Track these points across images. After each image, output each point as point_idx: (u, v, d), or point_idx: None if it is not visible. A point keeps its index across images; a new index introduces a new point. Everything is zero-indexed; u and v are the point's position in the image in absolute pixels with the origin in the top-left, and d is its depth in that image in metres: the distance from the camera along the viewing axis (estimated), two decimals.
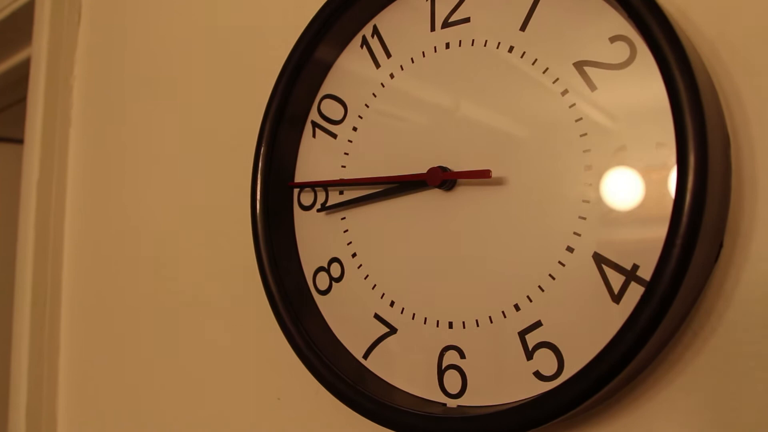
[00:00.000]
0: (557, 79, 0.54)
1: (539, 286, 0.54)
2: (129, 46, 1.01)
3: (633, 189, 0.51)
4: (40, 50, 1.11)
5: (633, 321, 0.47)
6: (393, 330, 0.62)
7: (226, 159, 0.82)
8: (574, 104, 0.53)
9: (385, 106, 0.65)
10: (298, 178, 0.70)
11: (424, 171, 0.59)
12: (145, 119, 0.94)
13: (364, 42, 0.67)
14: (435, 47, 0.61)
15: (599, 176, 0.52)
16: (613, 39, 0.52)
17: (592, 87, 0.53)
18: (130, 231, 0.93)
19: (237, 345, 0.79)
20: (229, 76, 0.84)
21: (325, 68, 0.69)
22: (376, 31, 0.66)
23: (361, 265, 0.65)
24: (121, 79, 1.01)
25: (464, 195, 0.58)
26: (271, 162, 0.69)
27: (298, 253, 0.70)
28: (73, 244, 1.05)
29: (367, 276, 0.64)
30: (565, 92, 0.54)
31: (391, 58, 0.65)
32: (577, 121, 0.53)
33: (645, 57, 0.51)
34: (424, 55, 0.62)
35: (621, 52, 0.52)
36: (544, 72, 0.55)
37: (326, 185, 0.67)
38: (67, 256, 1.06)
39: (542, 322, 0.54)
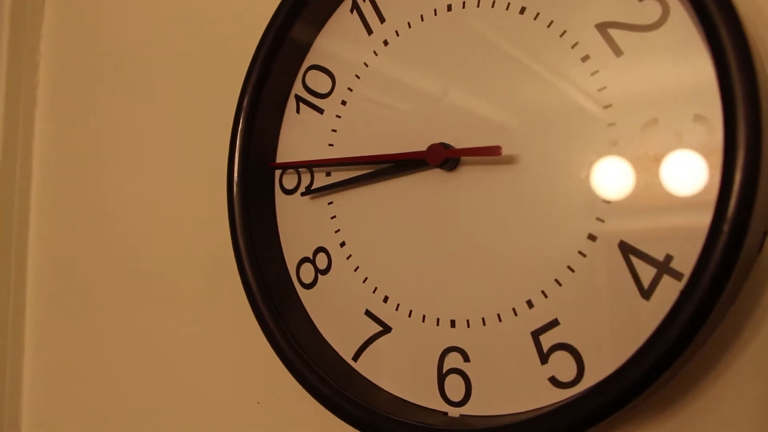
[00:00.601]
0: (576, 43, 0.47)
1: (556, 280, 0.47)
2: (100, 21, 0.92)
3: (666, 168, 0.44)
4: (0, 24, 1.03)
5: (670, 321, 0.41)
6: (387, 329, 0.55)
7: (201, 138, 0.75)
8: (596, 71, 0.46)
9: (377, 78, 0.57)
10: (281, 158, 0.63)
11: (423, 149, 0.52)
12: (117, 99, 0.86)
13: (355, 6, 0.59)
14: (435, 9, 0.54)
15: (626, 154, 0.45)
16: None
17: (618, 52, 0.46)
18: (99, 218, 0.85)
19: (212, 343, 0.71)
20: (204, 47, 0.76)
21: (311, 36, 0.62)
22: None
23: (350, 256, 0.57)
24: (92, 56, 0.92)
25: (469, 176, 0.51)
26: (250, 140, 0.62)
27: (280, 242, 0.63)
28: (38, 233, 0.96)
29: (358, 268, 0.57)
30: (586, 58, 0.47)
31: (384, 24, 0.57)
32: (600, 90, 0.46)
33: (680, 15, 0.44)
34: (422, 19, 0.55)
35: (651, 10, 0.45)
36: (561, 35, 0.48)
37: (311, 165, 0.60)
38: (32, 245, 0.97)
39: (559, 320, 0.47)
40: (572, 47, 0.47)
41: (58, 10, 1.01)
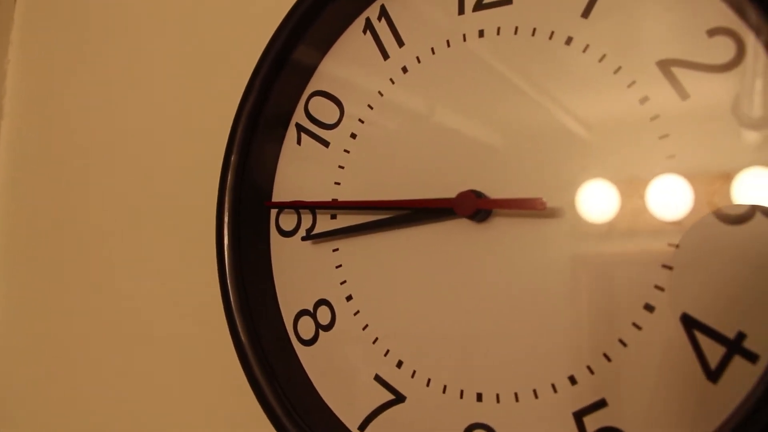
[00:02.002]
0: (633, 82, 0.41)
1: (605, 354, 0.41)
2: (77, 29, 0.84)
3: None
4: None
5: (744, 410, 0.35)
6: (400, 398, 0.48)
7: (188, 169, 0.67)
8: (657, 116, 0.40)
9: (394, 110, 0.51)
10: (278, 195, 0.56)
11: (450, 195, 0.45)
12: (94, 118, 0.78)
13: (368, 26, 0.52)
14: (464, 35, 0.48)
15: (691, 216, 0.39)
16: (711, 32, 0.39)
17: (684, 95, 0.40)
18: (71, 248, 0.77)
19: (196, 401, 0.64)
20: (194, 67, 0.69)
21: (316, 58, 0.55)
22: (384, 13, 0.52)
23: (358, 312, 0.50)
24: (66, 68, 0.84)
25: (501, 228, 0.45)
26: (243, 174, 0.55)
27: (275, 290, 0.55)
28: (1, 262, 0.87)
29: (367, 326, 0.50)
30: (644, 100, 0.41)
31: (403, 48, 0.51)
32: (661, 138, 0.40)
33: (758, 56, 0.38)
34: (448, 45, 0.48)
35: (723, 49, 0.39)
36: (615, 72, 0.42)
37: (314, 207, 0.53)
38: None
39: (607, 401, 0.40)
40: (628, 87, 0.41)
41: (28, 16, 0.92)
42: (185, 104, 0.68)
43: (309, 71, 0.55)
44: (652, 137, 0.40)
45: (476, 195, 0.44)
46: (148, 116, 0.71)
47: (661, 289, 0.39)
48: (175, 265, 0.66)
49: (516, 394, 0.43)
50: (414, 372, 0.47)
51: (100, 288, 0.72)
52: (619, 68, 0.42)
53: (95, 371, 0.71)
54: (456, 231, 0.46)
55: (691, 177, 0.39)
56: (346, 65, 0.54)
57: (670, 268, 0.39)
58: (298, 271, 0.54)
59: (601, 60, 0.42)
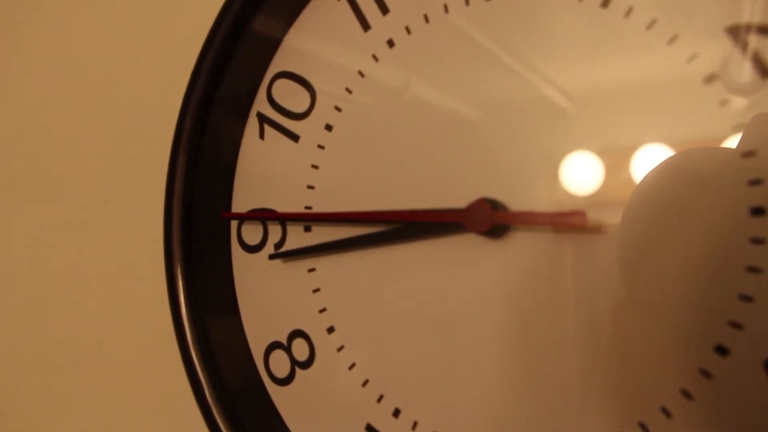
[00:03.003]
0: (694, 55, 0.31)
1: (663, 409, 0.32)
2: (15, 8, 0.71)
3: None
4: None
5: None
6: None
7: (127, 176, 0.56)
8: (726, 101, 0.31)
9: (379, 93, 0.40)
10: (238, 203, 0.45)
11: (456, 202, 0.36)
12: (27, 111, 0.66)
13: None
14: None
15: None
16: None
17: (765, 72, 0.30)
18: (6, 260, 0.66)
19: None
20: (134, 48, 0.57)
21: (280, 32, 0.44)
22: None
23: (342, 347, 0.41)
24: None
25: (522, 246, 0.35)
26: (195, 179, 0.44)
27: (240, 319, 0.45)
28: None
29: (354, 365, 0.40)
30: (710, 78, 0.31)
31: (388, 16, 0.40)
32: (734, 129, 0.30)
33: None
34: (446, 10, 0.38)
35: None
36: (669, 42, 0.32)
37: (283, 219, 0.43)
38: None
39: None
40: (688, 62, 0.31)
41: None
42: (120, 92, 0.57)
43: (272, 47, 0.45)
44: (723, 127, 0.31)
45: (492, 205, 0.34)
46: (86, 104, 0.60)
47: (739, 326, 0.30)
48: (120, 291, 0.55)
49: None
50: (415, 423, 0.38)
51: (35, 300, 0.62)
52: (675, 37, 0.32)
53: (29, 404, 0.61)
54: (465, 247, 0.37)
55: None
56: (317, 39, 0.43)
57: (749, 299, 0.30)
58: (267, 295, 0.44)
59: (650, 27, 0.32)
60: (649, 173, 0.32)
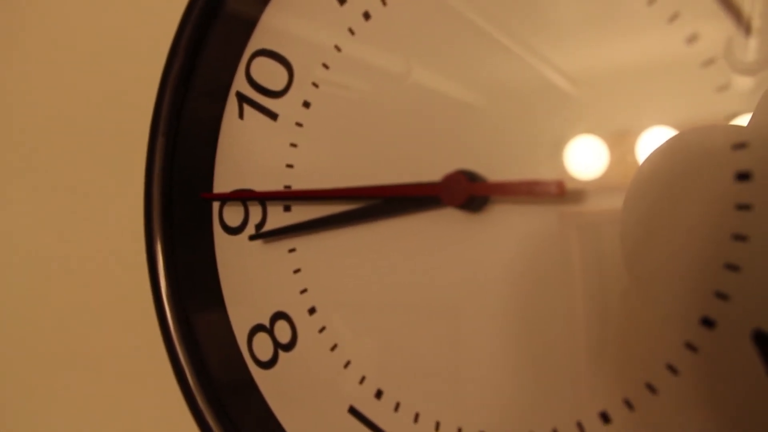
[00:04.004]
0: (694, 36, 0.30)
1: (648, 385, 0.31)
2: None
3: None
4: None
5: None
6: None
7: (106, 157, 0.55)
8: (724, 86, 0.29)
9: (355, 68, 0.39)
10: (219, 184, 0.45)
11: (435, 177, 0.34)
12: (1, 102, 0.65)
13: None
14: None
15: (764, 193, 0.28)
16: None
17: None
18: None
19: None
20: (110, 32, 0.56)
21: (257, 9, 0.43)
22: None
23: (324, 328, 0.40)
24: None
25: (501, 219, 0.34)
26: (174, 160, 0.43)
27: (224, 302, 0.45)
28: None
29: (336, 346, 0.39)
30: (709, 63, 0.30)
31: None
32: (728, 118, 0.29)
33: None
34: None
35: None
36: (670, 20, 0.31)
37: (263, 198, 0.42)
38: None
39: None
40: (687, 43, 0.30)
41: None
42: (96, 76, 0.56)
43: (249, 26, 0.44)
44: (716, 110, 0.29)
45: (468, 177, 0.33)
46: (63, 90, 0.59)
47: (725, 296, 0.29)
48: (101, 273, 0.55)
49: None
50: (397, 404, 0.37)
51: (19, 287, 0.61)
52: (676, 14, 0.30)
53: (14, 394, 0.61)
54: (443, 224, 0.35)
55: (760, 151, 0.28)
56: (294, 15, 0.42)
57: (736, 268, 0.29)
58: (249, 277, 0.43)
59: (651, 2, 0.31)
60: (650, 155, 0.31)
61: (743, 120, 0.29)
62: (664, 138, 0.30)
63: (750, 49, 0.29)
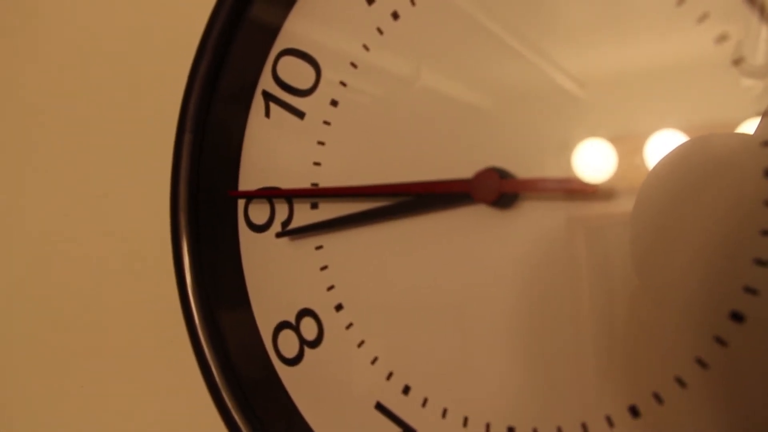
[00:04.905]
0: (724, 35, 0.30)
1: (677, 378, 0.31)
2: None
3: None
4: None
5: None
6: (409, 431, 0.38)
7: (134, 155, 0.56)
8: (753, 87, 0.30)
9: (383, 68, 0.40)
10: (245, 182, 0.45)
11: (464, 174, 0.35)
12: (27, 98, 0.66)
13: None
14: None
15: None
16: None
17: None
18: (8, 252, 0.66)
19: None
20: (137, 33, 0.57)
21: (285, 8, 0.44)
22: None
23: (351, 325, 0.40)
24: None
25: (532, 217, 0.34)
26: (201, 156, 0.44)
27: (249, 299, 0.45)
28: None
29: (363, 342, 0.40)
30: (739, 61, 0.30)
31: None
32: (759, 115, 0.30)
33: None
34: None
35: None
36: (699, 21, 0.31)
37: (290, 195, 0.42)
38: None
39: None
40: (716, 42, 0.31)
41: None
42: (125, 76, 0.56)
43: (276, 25, 0.44)
44: (744, 106, 0.30)
45: (500, 174, 0.34)
46: (88, 90, 0.60)
47: (754, 291, 0.29)
48: (127, 274, 0.55)
49: (559, 429, 0.34)
50: (425, 400, 0.38)
51: (40, 279, 0.62)
52: (706, 15, 0.31)
53: (36, 389, 0.61)
54: (472, 221, 0.36)
55: None
56: (321, 14, 0.42)
57: (765, 264, 0.29)
58: (274, 274, 0.44)
59: (681, 2, 0.31)
60: (663, 158, 0.31)
61: None
62: (686, 141, 0.31)
63: (759, 52, 0.29)
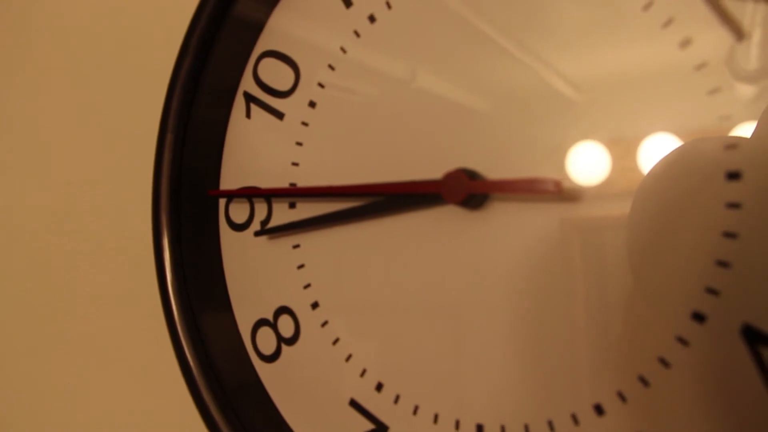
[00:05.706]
0: (687, 40, 0.31)
1: (640, 377, 0.32)
2: None
3: None
4: None
5: None
6: (381, 427, 0.39)
7: (116, 155, 0.56)
8: (716, 89, 0.30)
9: (360, 70, 0.40)
10: (225, 181, 0.46)
11: (436, 175, 0.36)
12: (11, 96, 0.67)
13: None
14: None
15: (753, 192, 0.29)
16: None
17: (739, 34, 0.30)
18: None
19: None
20: (119, 34, 0.58)
21: (265, 12, 0.45)
22: None
23: (326, 323, 0.41)
24: None
25: (500, 217, 0.35)
26: (182, 157, 0.44)
27: (228, 297, 0.46)
28: None
29: (338, 340, 0.40)
30: (700, 67, 0.31)
31: None
32: (719, 121, 0.30)
33: None
34: None
35: None
36: (664, 26, 0.32)
37: (269, 195, 0.43)
38: None
39: None
40: (681, 47, 0.31)
41: None
42: (108, 77, 0.57)
43: (256, 28, 0.45)
44: (711, 116, 0.30)
45: (468, 175, 0.34)
46: (71, 90, 0.60)
47: (715, 292, 0.30)
48: (107, 270, 0.56)
49: (526, 426, 0.34)
50: (397, 397, 0.38)
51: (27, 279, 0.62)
52: (670, 20, 0.31)
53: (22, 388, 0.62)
54: (444, 221, 0.37)
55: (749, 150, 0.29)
56: (301, 17, 0.43)
57: (726, 264, 0.30)
58: (253, 272, 0.44)
59: (647, 7, 0.32)
60: (657, 163, 0.32)
61: (735, 123, 0.30)
62: (662, 142, 0.31)
63: (752, 57, 0.30)
